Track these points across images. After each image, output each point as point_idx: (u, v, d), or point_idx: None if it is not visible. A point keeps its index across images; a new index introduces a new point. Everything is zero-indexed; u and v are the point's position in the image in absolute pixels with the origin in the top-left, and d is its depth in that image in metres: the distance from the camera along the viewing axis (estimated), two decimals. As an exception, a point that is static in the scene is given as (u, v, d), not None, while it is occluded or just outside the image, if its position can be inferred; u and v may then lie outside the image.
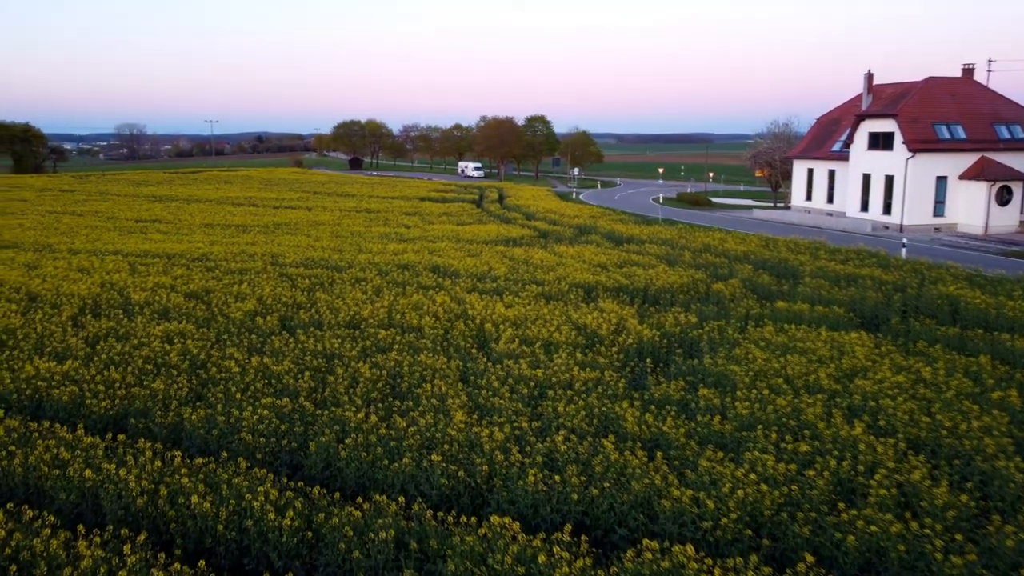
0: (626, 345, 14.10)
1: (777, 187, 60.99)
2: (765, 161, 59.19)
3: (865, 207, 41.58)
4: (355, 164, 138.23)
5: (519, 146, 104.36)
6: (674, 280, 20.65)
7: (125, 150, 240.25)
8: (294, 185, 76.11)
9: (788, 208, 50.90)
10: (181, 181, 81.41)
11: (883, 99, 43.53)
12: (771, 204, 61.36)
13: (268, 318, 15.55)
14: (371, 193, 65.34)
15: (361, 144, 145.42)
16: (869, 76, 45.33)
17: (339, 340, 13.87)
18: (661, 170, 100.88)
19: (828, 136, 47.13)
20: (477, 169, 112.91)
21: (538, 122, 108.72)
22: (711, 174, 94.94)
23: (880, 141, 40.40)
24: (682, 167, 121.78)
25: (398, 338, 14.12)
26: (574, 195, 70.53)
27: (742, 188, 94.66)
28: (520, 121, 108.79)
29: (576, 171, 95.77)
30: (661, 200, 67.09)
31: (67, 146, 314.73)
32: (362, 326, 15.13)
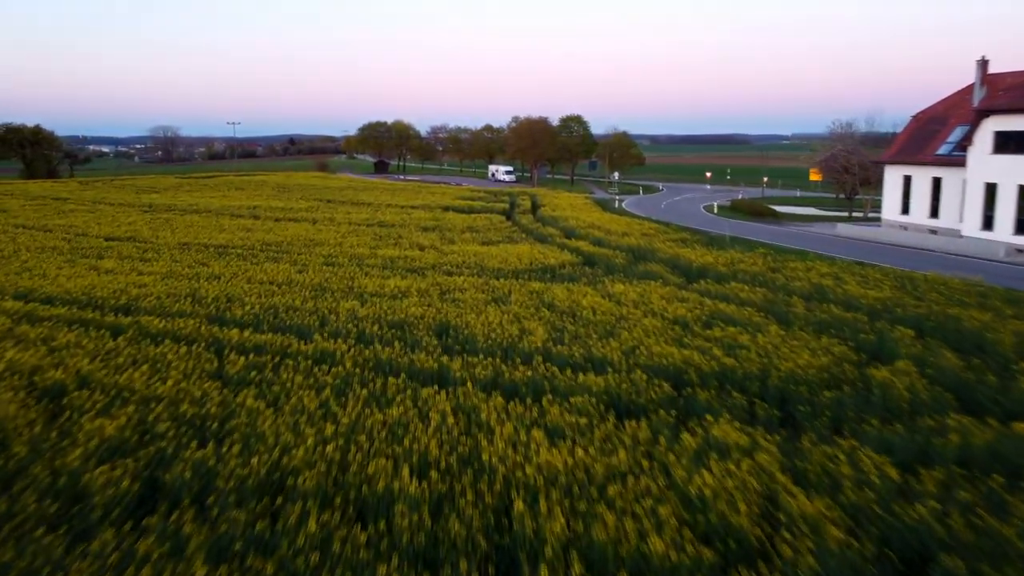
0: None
1: (853, 195, 52.87)
2: (841, 166, 51.14)
3: (988, 224, 33.58)
4: (380, 167, 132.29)
5: (553, 148, 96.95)
6: (805, 359, 13.34)
7: (160, 153, 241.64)
8: (308, 192, 70.00)
9: (877, 222, 42.95)
10: (190, 187, 75.86)
11: (1003, 90, 35.44)
12: (846, 214, 53.28)
13: (118, 472, 8.61)
14: (390, 201, 58.77)
15: (387, 146, 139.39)
16: (983, 63, 37.29)
17: (211, 561, 6.85)
18: (708, 174, 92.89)
19: (930, 136, 39.11)
20: (508, 173, 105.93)
21: (574, 122, 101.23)
22: (765, 179, 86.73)
23: (1012, 142, 32.41)
24: (728, 170, 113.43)
25: (335, 548, 7.07)
26: (616, 203, 63.12)
27: (799, 194, 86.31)
28: (554, 121, 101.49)
29: (615, 175, 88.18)
30: (716, 210, 59.31)
31: (105, 149, 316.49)
32: (281, 498, 8.12)
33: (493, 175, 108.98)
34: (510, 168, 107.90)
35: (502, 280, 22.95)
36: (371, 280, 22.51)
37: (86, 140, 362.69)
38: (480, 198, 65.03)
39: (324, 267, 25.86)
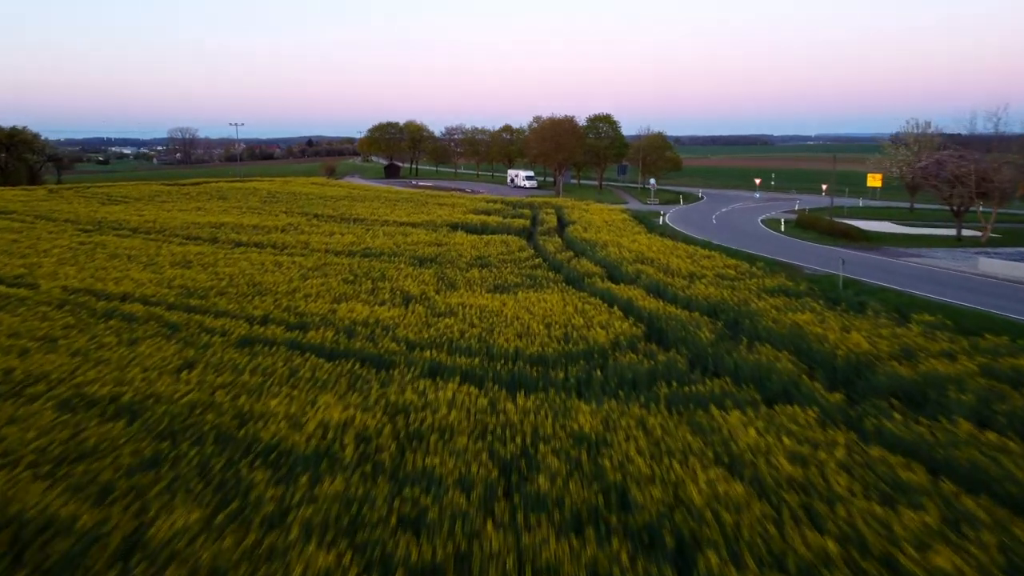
0: None
1: (963, 211, 42.06)
2: (951, 174, 40.41)
3: None
4: (391, 172, 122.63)
5: (580, 151, 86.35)
6: None
7: (179, 155, 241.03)
8: (298, 203, 60.51)
9: (1010, 247, 32.24)
10: (166, 197, 66.63)
11: None
12: (953, 234, 42.50)
13: None
14: (388, 216, 49.00)
15: (399, 148, 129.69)
16: None
17: None
18: (759, 181, 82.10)
19: (1110, 138, 28.44)
20: (529, 179, 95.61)
21: (603, 122, 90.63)
22: (825, 186, 75.80)
23: None
24: (772, 175, 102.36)
25: None
26: (661, 219, 52.77)
27: (861, 203, 75.32)
28: (580, 121, 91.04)
29: (653, 182, 77.45)
30: (783, 227, 48.77)
31: (126, 151, 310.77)
32: None
33: (512, 181, 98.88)
34: (531, 173, 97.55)
35: (520, 398, 12.91)
36: (289, 400, 12.61)
37: (110, 142, 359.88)
38: (496, 211, 55.16)
39: (235, 351, 16.03)
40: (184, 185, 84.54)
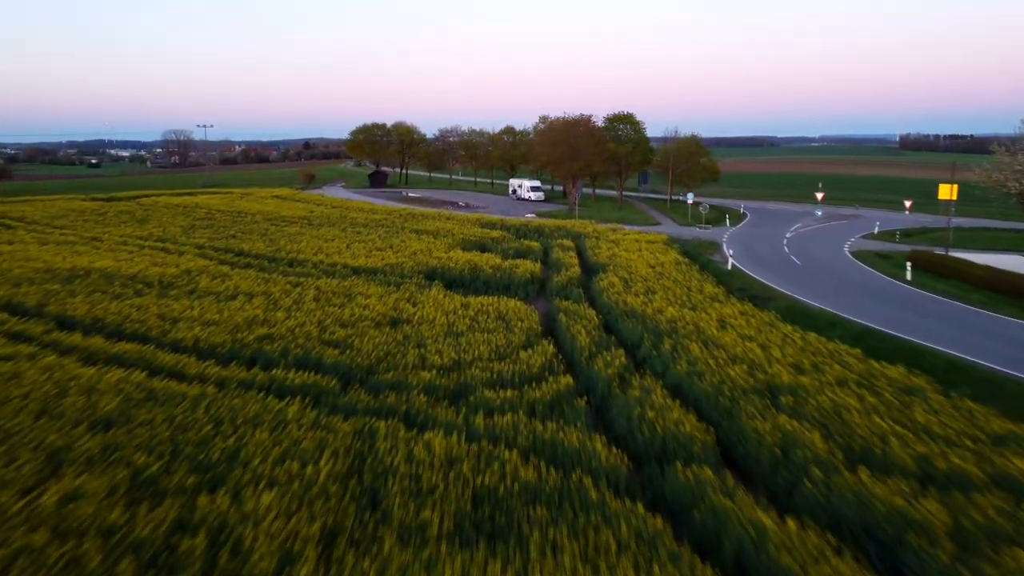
0: None
1: None
2: None
3: None
4: (377, 180, 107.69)
5: (600, 158, 71.27)
6: None
7: (175, 157, 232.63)
8: (231, 230, 45.83)
9: None
10: (70, 219, 51.85)
11: None
12: None
13: None
14: (338, 258, 34.17)
15: (387, 153, 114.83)
16: None
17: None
18: (820, 195, 67.21)
19: None
20: (535, 190, 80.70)
21: (624, 123, 75.68)
22: (908, 203, 60.89)
23: None
24: (820, 184, 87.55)
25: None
26: (729, 262, 37.84)
27: (951, 223, 60.32)
28: (598, 122, 76.08)
29: (694, 199, 62.11)
30: (909, 274, 33.94)
31: (124, 153, 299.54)
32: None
33: (515, 192, 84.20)
34: (537, 183, 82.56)
35: None
36: None
37: (111, 144, 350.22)
38: (493, 242, 40.52)
39: None
40: (120, 200, 69.94)
